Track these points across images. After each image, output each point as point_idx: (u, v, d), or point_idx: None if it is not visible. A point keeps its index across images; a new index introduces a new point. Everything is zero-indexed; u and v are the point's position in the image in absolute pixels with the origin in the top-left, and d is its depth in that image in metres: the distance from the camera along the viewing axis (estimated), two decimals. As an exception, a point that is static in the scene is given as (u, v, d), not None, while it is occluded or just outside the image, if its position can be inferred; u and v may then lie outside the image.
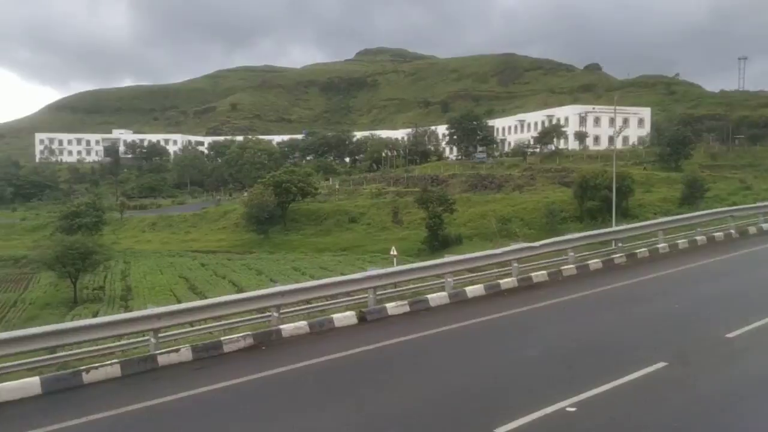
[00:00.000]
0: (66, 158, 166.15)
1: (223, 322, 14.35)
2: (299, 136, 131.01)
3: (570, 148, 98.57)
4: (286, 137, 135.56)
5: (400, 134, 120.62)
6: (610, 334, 11.03)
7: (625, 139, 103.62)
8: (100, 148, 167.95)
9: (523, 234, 59.55)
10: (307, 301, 16.10)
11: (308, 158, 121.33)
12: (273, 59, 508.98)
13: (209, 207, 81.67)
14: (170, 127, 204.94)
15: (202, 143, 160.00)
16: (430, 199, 54.83)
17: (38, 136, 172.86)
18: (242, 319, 13.69)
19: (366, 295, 13.60)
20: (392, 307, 13.25)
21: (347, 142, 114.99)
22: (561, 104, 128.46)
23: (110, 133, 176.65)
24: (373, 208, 68.43)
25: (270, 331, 11.68)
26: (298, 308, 14.90)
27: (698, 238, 21.39)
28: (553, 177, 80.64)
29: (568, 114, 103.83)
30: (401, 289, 16.19)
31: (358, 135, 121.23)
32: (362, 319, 12.65)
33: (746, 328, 10.41)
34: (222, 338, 11.43)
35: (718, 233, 22.46)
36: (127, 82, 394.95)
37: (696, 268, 17.10)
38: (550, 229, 58.49)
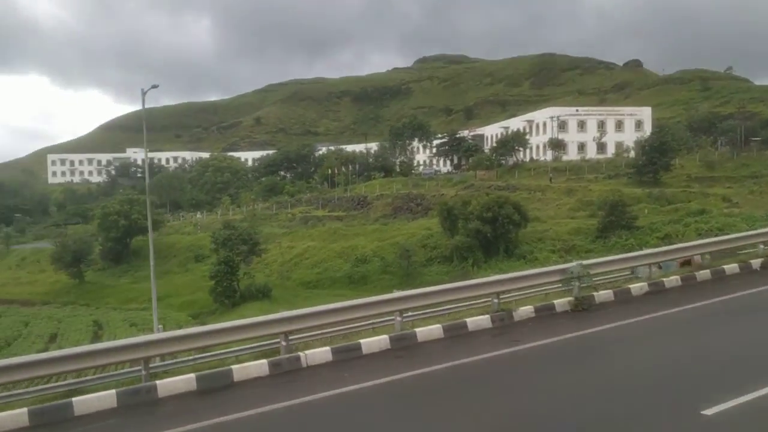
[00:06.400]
0: (77, 179, 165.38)
1: None
2: (269, 152, 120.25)
3: (543, 159, 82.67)
4: (265, 153, 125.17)
5: (373, 147, 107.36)
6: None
7: (619, 146, 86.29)
8: (112, 168, 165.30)
9: (374, 281, 46.33)
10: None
11: (282, 174, 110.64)
12: (351, 69, 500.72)
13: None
14: (191, 144, 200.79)
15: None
16: (229, 238, 42.23)
17: (50, 157, 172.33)
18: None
19: None
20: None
21: (310, 158, 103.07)
22: (587, 105, 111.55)
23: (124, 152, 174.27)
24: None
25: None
26: None
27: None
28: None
29: (546, 119, 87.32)
30: None
31: (324, 149, 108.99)
32: None
33: None
34: None
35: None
36: (212, 97, 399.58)
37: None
38: (406, 273, 44.89)
